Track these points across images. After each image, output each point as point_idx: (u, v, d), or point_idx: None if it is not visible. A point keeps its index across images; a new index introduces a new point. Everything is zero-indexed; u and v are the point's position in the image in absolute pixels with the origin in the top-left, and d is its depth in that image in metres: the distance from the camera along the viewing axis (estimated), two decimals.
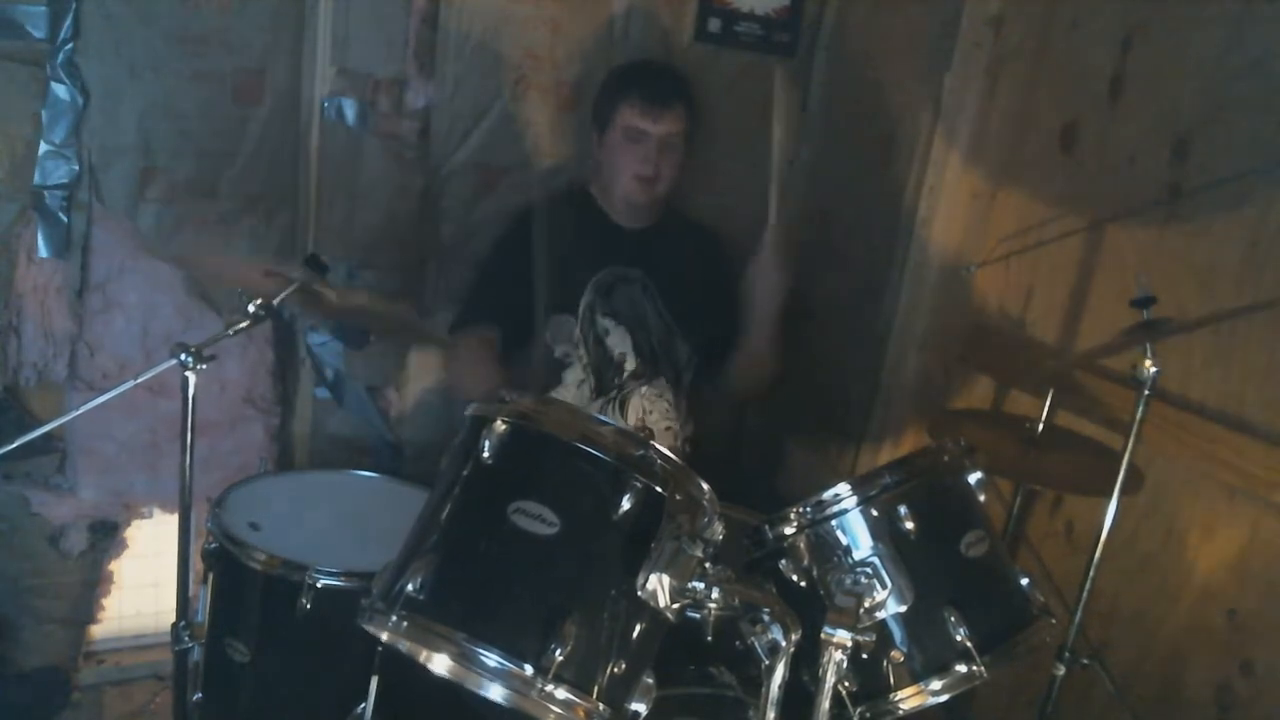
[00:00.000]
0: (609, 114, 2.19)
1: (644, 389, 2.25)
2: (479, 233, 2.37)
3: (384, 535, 1.43)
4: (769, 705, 1.24)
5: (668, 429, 2.24)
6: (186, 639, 1.71)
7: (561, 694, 1.19)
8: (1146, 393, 1.62)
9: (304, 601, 1.66)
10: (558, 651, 1.17)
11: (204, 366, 1.55)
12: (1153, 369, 1.60)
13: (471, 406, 1.38)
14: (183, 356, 1.54)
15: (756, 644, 1.27)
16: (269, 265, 1.75)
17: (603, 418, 1.33)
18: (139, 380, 1.55)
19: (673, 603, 1.26)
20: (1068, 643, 1.75)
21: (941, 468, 1.49)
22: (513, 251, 2.22)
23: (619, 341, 2.23)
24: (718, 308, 2.42)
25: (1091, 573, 1.71)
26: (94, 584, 2.28)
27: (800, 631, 1.25)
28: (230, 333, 1.60)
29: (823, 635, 1.22)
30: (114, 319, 2.11)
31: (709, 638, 1.32)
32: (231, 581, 1.76)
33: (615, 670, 1.24)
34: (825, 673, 1.22)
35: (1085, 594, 1.72)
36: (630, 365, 2.24)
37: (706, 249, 2.44)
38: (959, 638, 1.39)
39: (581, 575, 1.26)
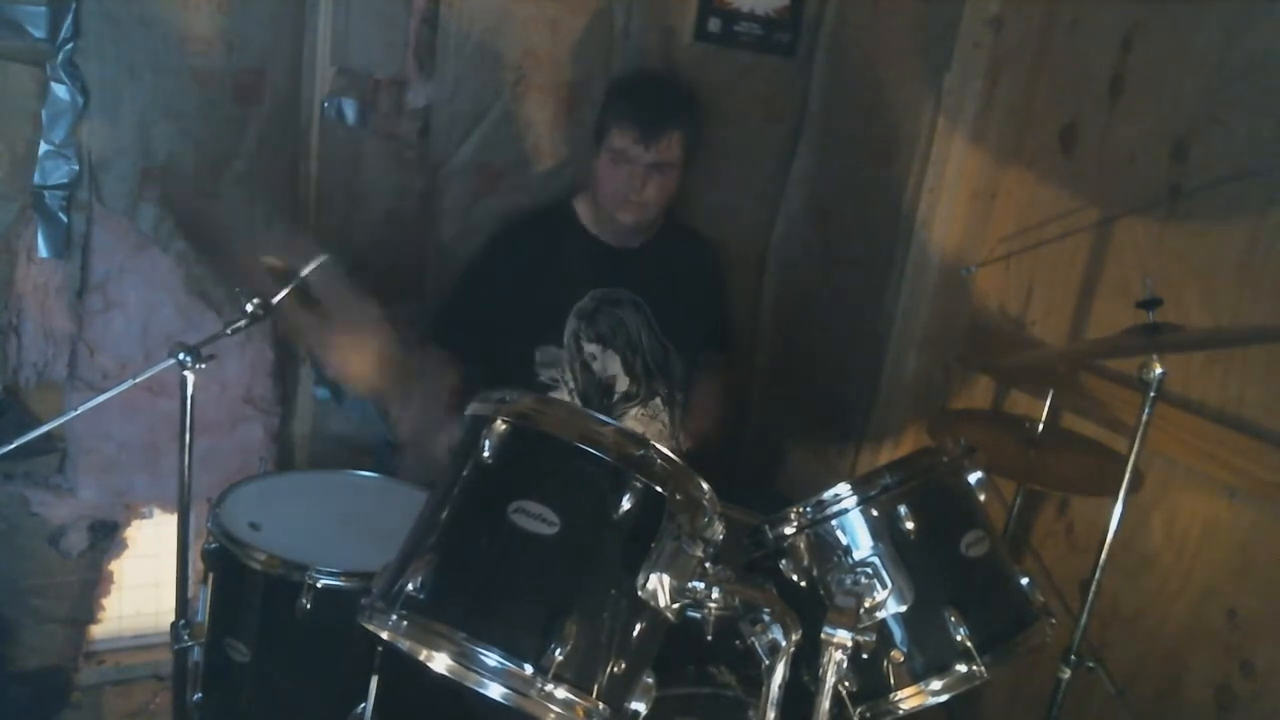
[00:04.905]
0: (602, 131, 2.15)
1: (636, 410, 2.25)
2: (478, 234, 2.37)
3: (384, 535, 1.43)
4: (769, 705, 1.24)
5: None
6: (186, 638, 1.71)
7: (561, 693, 1.19)
8: (1153, 394, 1.62)
9: (304, 601, 1.66)
10: (557, 651, 1.18)
11: (203, 366, 1.55)
12: (1160, 371, 1.60)
13: (471, 406, 1.38)
14: (181, 356, 1.53)
15: (757, 644, 1.27)
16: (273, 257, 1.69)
17: (603, 417, 1.33)
18: (138, 380, 1.54)
19: (673, 602, 1.26)
20: (1073, 645, 1.74)
21: (941, 468, 1.49)
22: (490, 284, 2.20)
23: (606, 365, 2.22)
24: (710, 318, 2.42)
25: (1098, 575, 1.71)
26: (94, 584, 2.28)
27: (800, 631, 1.25)
28: (228, 332, 1.59)
29: (823, 635, 1.22)
30: (114, 319, 2.11)
31: (709, 638, 1.32)
32: (231, 581, 1.76)
33: (615, 670, 1.24)
34: (825, 673, 1.22)
35: (1091, 597, 1.72)
36: (622, 386, 2.23)
37: (700, 260, 2.43)
38: (959, 638, 1.39)
39: (582, 575, 1.26)
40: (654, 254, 2.26)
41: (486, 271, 2.23)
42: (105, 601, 2.33)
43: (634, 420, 2.24)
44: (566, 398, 2.19)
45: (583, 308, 2.21)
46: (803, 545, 1.45)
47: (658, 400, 2.26)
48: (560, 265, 2.21)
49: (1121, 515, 1.68)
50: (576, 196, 2.27)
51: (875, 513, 1.42)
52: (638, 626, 1.26)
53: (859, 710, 1.43)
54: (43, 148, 1.98)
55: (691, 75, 2.43)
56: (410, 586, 1.22)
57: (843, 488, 1.43)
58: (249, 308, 1.59)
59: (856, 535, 1.41)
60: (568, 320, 2.19)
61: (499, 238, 2.27)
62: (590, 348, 2.20)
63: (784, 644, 1.24)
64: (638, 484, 1.26)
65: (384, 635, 1.26)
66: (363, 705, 1.62)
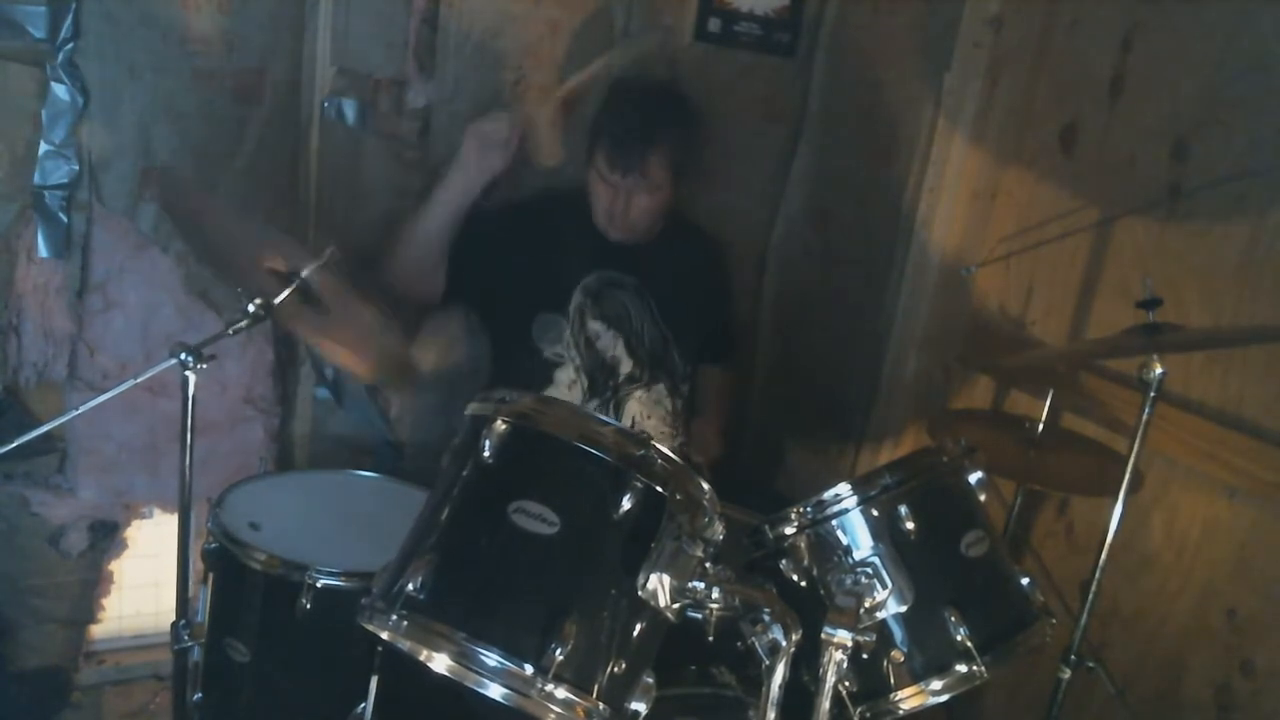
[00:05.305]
0: (591, 147, 2.14)
1: (640, 393, 2.25)
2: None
3: (384, 535, 1.43)
4: (769, 705, 1.24)
5: (665, 434, 2.24)
6: (186, 638, 1.71)
7: (561, 693, 1.19)
8: (1153, 394, 1.62)
9: (304, 601, 1.66)
10: (558, 651, 1.18)
11: (204, 366, 1.55)
12: (1160, 371, 1.60)
13: (471, 406, 1.38)
14: (182, 356, 1.53)
15: (757, 644, 1.27)
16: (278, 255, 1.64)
17: (603, 417, 1.33)
18: (138, 380, 1.54)
19: (673, 602, 1.26)
20: (1073, 645, 1.74)
21: (941, 468, 1.49)
22: (501, 243, 2.19)
23: (609, 345, 2.22)
24: (713, 316, 2.42)
25: (1098, 575, 1.71)
26: (94, 584, 2.28)
27: (800, 631, 1.25)
28: (230, 332, 1.59)
29: (823, 635, 1.22)
30: (114, 319, 2.11)
31: (710, 638, 1.32)
32: (231, 581, 1.76)
33: (615, 670, 1.24)
34: (825, 673, 1.22)
35: (1091, 597, 1.72)
36: (626, 368, 2.23)
37: (704, 258, 2.43)
38: (959, 638, 1.39)
39: (582, 575, 1.26)
40: (658, 250, 2.27)
41: (501, 227, 2.21)
42: (105, 601, 2.33)
43: (638, 403, 2.24)
44: (571, 374, 2.20)
45: (589, 285, 2.21)
46: (803, 545, 1.45)
47: (661, 386, 2.27)
48: (571, 242, 2.21)
49: (1121, 515, 1.68)
50: (586, 192, 2.28)
51: (875, 513, 1.42)
52: (638, 626, 1.26)
53: (859, 710, 1.43)
54: (43, 148, 1.98)
55: (691, 75, 2.43)
56: (410, 586, 1.22)
57: (843, 488, 1.43)
58: (250, 308, 1.59)
59: (856, 535, 1.41)
60: (574, 293, 2.20)
61: (516, 208, 2.26)
62: (594, 325, 2.20)
63: (784, 644, 1.24)
64: (638, 484, 1.26)
65: (384, 635, 1.26)
66: (363, 705, 1.62)
